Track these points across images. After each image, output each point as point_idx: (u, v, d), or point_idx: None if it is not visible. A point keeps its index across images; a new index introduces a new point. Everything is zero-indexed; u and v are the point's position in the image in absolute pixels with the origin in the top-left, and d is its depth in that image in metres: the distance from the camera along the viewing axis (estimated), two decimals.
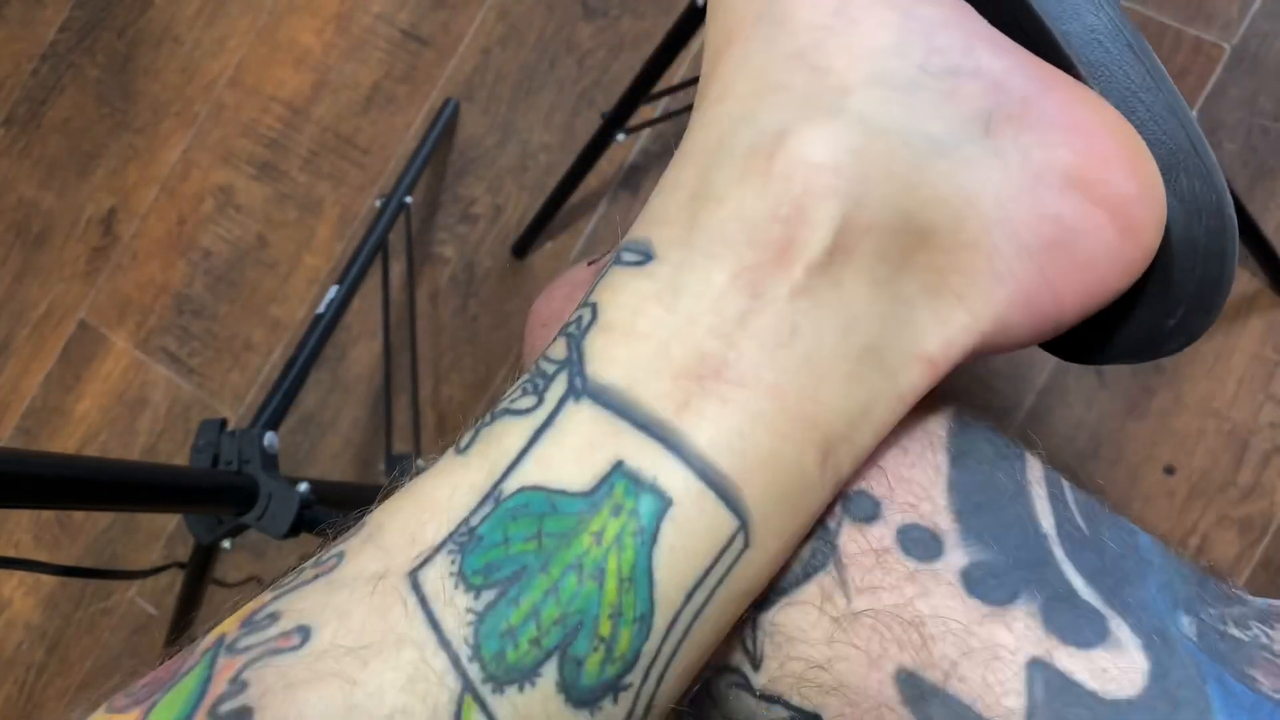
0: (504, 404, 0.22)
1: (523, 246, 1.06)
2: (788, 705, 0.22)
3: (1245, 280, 0.94)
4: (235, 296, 1.13)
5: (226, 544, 0.70)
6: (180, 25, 1.19)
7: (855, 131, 0.22)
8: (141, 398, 1.13)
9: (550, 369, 0.22)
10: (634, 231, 0.24)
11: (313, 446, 1.08)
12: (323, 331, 0.82)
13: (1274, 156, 0.94)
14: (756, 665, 0.23)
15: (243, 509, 0.65)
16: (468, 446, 0.22)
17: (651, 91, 0.86)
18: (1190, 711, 0.20)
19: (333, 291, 0.85)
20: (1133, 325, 0.26)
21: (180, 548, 1.08)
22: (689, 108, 1.08)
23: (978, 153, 0.23)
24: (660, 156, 1.06)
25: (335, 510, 0.69)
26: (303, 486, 0.67)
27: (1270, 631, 0.22)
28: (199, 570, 0.78)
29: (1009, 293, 0.23)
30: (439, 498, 0.21)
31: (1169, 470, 0.93)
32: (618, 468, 0.20)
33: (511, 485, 0.20)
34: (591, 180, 1.03)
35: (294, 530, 0.66)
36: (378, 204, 1.06)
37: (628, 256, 0.23)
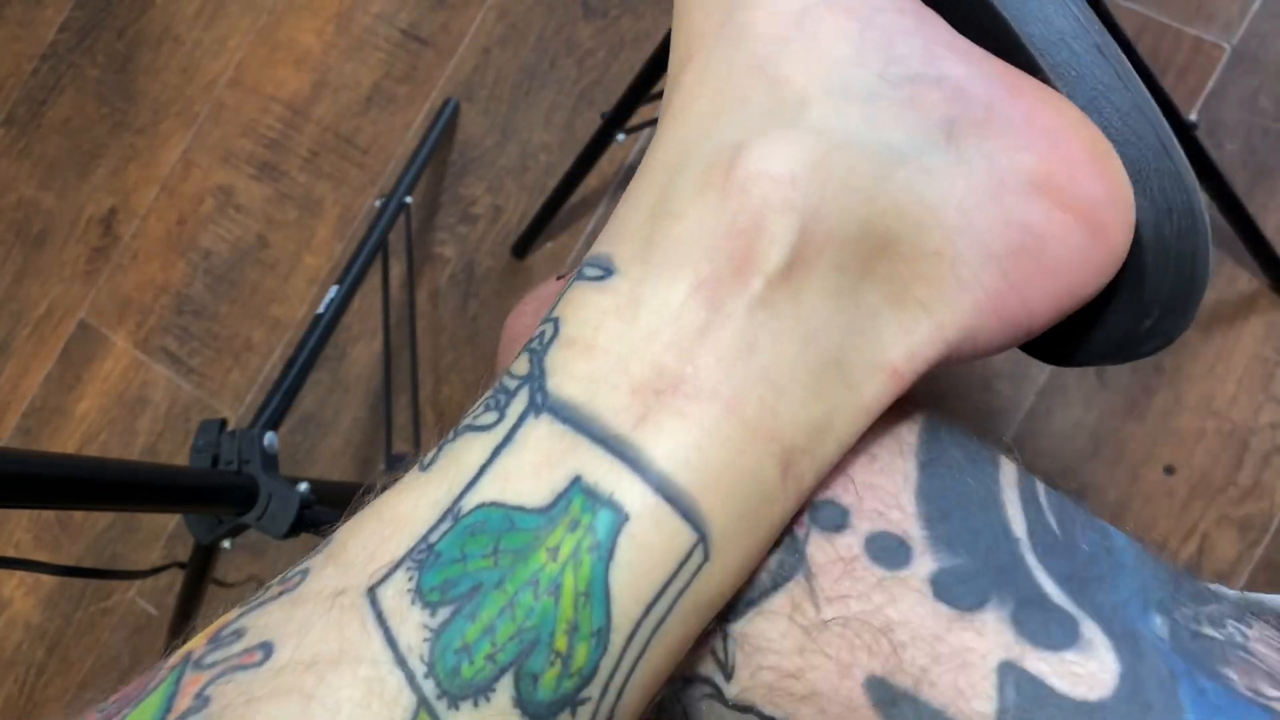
0: (467, 420, 0.22)
1: (523, 246, 1.06)
2: (760, 715, 0.22)
3: (1245, 280, 0.94)
4: (235, 296, 1.13)
5: (226, 544, 0.70)
6: (180, 25, 1.19)
7: (813, 143, 0.22)
8: (141, 398, 1.13)
9: (512, 385, 0.22)
10: (596, 248, 0.24)
11: (313, 446, 1.08)
12: (323, 331, 0.82)
13: (1274, 156, 0.94)
14: (729, 675, 0.23)
15: (243, 509, 0.65)
16: (431, 463, 0.22)
17: (651, 91, 0.86)
18: (1161, 713, 0.20)
19: (333, 291, 0.85)
20: (1108, 327, 0.26)
21: (180, 548, 1.08)
22: None
23: (940, 161, 0.23)
24: None
25: (335, 510, 0.69)
26: (303, 486, 0.67)
27: (1245, 630, 0.22)
28: (199, 570, 0.78)
29: (975, 300, 0.23)
30: (400, 514, 0.21)
31: (1169, 470, 0.93)
32: (575, 483, 0.20)
33: (470, 502, 0.20)
34: (591, 180, 1.03)
35: (294, 530, 0.66)
36: (378, 204, 1.06)
37: (589, 272, 0.23)
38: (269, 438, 0.69)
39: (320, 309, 0.84)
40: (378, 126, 1.12)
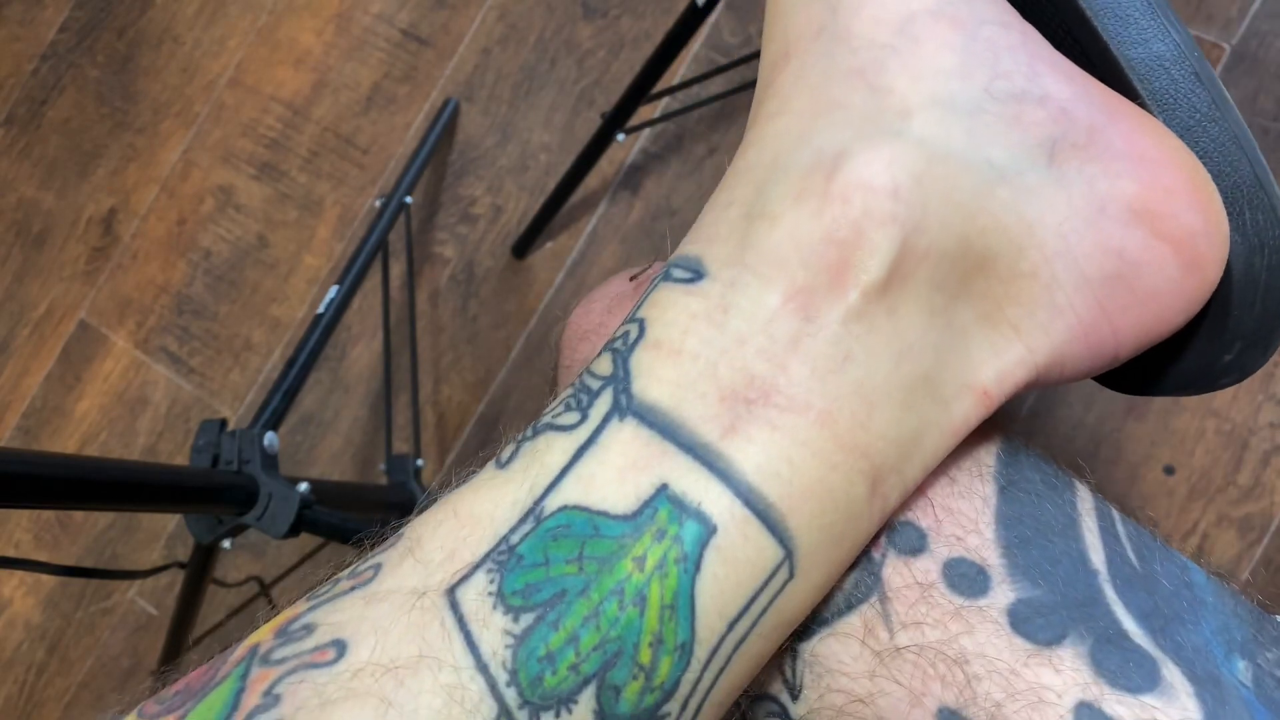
0: (546, 418, 0.22)
1: (523, 246, 1.06)
2: None
3: None
4: (235, 296, 1.13)
5: (226, 544, 0.70)
6: (180, 25, 1.19)
7: (916, 155, 0.22)
8: (141, 398, 1.13)
9: (595, 385, 0.21)
10: (684, 248, 0.23)
11: (313, 446, 1.08)
12: (323, 331, 0.82)
13: (1274, 156, 0.94)
14: (795, 695, 0.22)
15: (243, 509, 0.65)
16: (509, 461, 0.21)
17: (651, 91, 0.86)
18: None
19: (333, 291, 0.85)
20: (1187, 359, 0.26)
21: (180, 548, 1.08)
22: (689, 108, 1.08)
23: (1040, 181, 0.22)
24: (660, 156, 1.06)
25: (335, 510, 0.69)
26: (303, 486, 0.67)
27: None
28: (199, 570, 0.78)
29: (1067, 326, 0.23)
30: (479, 513, 0.20)
31: (1169, 470, 0.93)
32: (662, 491, 0.20)
33: (553, 504, 0.20)
34: (591, 180, 1.03)
35: (294, 530, 0.65)
36: (378, 204, 1.06)
37: (677, 273, 0.22)
38: (269, 438, 0.69)
39: (320, 309, 0.84)
40: (378, 126, 1.12)
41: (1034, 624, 0.21)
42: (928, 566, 0.22)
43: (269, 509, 0.65)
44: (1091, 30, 0.24)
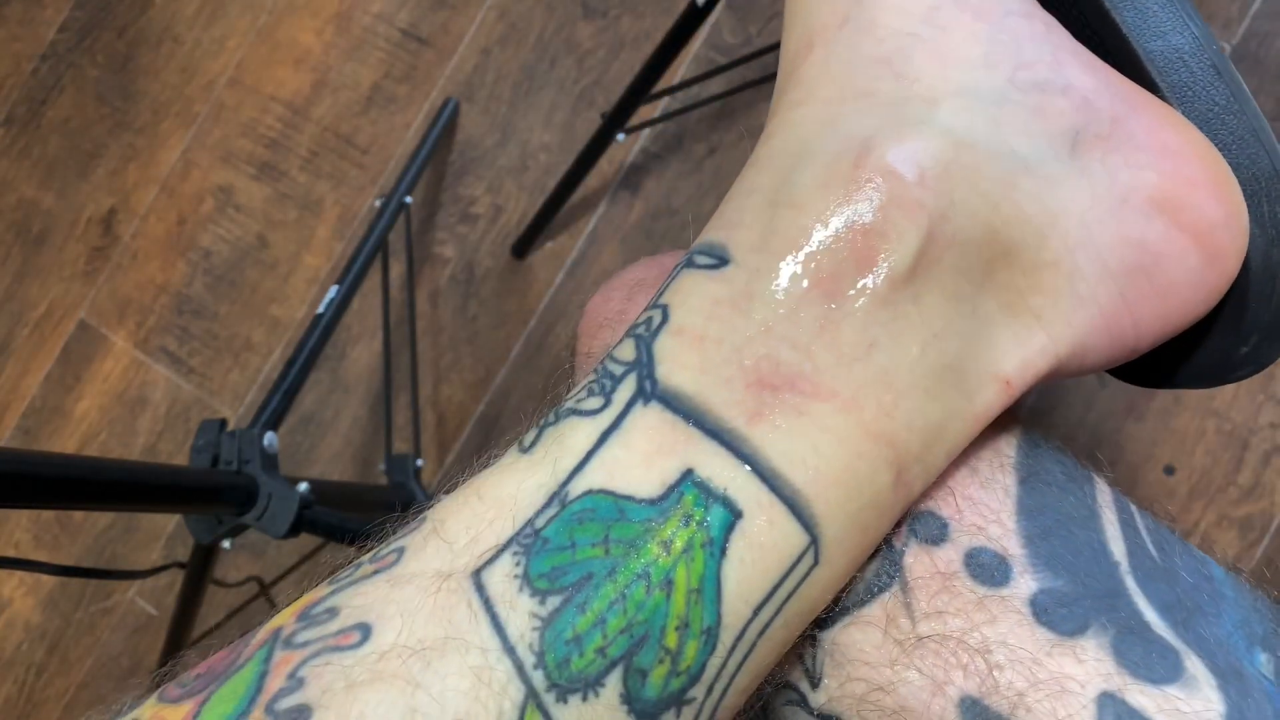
0: (569, 403, 0.22)
1: (523, 246, 1.06)
2: None
3: None
4: (235, 296, 1.13)
5: (226, 544, 0.70)
6: (180, 25, 1.19)
7: (941, 143, 0.22)
8: (141, 398, 1.13)
9: (618, 370, 0.21)
10: (708, 235, 0.23)
11: (313, 446, 1.08)
12: (323, 331, 0.82)
13: None
14: (815, 684, 0.22)
15: (243, 509, 0.64)
16: (532, 445, 0.21)
17: (651, 91, 0.86)
18: None
19: (333, 291, 0.85)
20: (1204, 351, 0.26)
21: (180, 548, 1.08)
22: (689, 108, 1.08)
23: (1063, 171, 0.22)
24: (660, 156, 1.06)
25: (335, 510, 0.69)
26: (303, 486, 0.67)
27: None
28: (199, 570, 0.78)
29: (1089, 316, 0.23)
30: (503, 496, 0.20)
31: (1169, 470, 0.93)
32: (688, 476, 0.20)
33: (578, 487, 0.20)
34: (591, 180, 1.03)
35: (294, 530, 0.65)
36: (378, 204, 1.06)
37: (701, 260, 0.22)
38: (269, 438, 0.69)
39: (320, 309, 0.84)
40: (378, 126, 1.12)
41: (1056, 614, 0.21)
42: (950, 556, 0.22)
43: (269, 509, 0.65)
44: (1111, 23, 0.24)
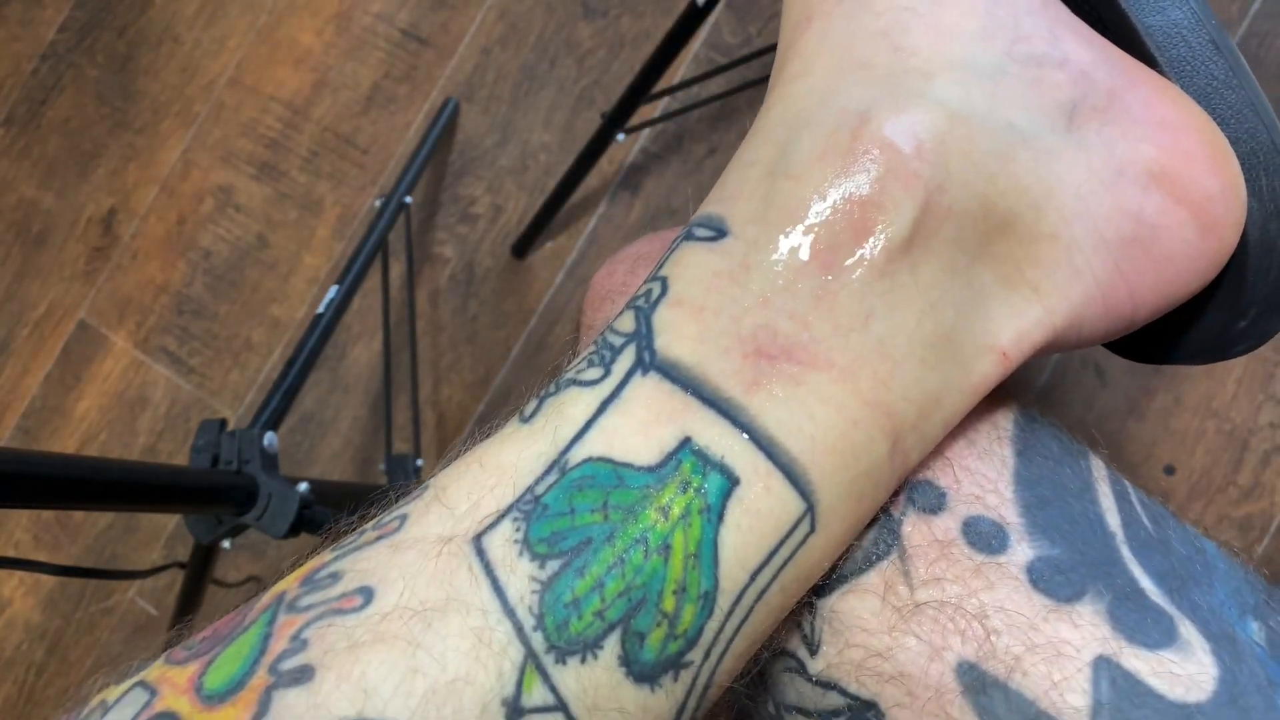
0: (569, 374, 0.22)
1: (523, 246, 1.06)
2: (844, 692, 0.22)
3: None
4: (235, 296, 1.13)
5: (226, 544, 0.70)
6: (180, 25, 1.19)
7: (939, 116, 0.22)
8: (141, 398, 1.13)
9: (618, 341, 0.22)
10: (706, 207, 0.23)
11: (313, 446, 1.08)
12: (323, 331, 0.82)
13: None
14: (814, 651, 0.23)
15: (243, 509, 0.64)
16: (533, 415, 0.21)
17: (651, 91, 0.86)
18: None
19: (333, 291, 0.85)
20: (1202, 326, 0.26)
21: (180, 548, 1.08)
22: (689, 108, 1.08)
23: (1060, 144, 0.23)
24: (660, 156, 1.06)
25: (335, 510, 0.69)
26: (303, 486, 0.67)
27: None
28: (199, 570, 0.78)
29: (1085, 288, 0.23)
30: (504, 464, 0.21)
31: (1169, 470, 0.93)
32: (685, 444, 0.20)
33: (578, 455, 0.20)
34: (591, 180, 1.03)
35: (294, 530, 0.65)
36: (377, 204, 1.06)
37: (700, 232, 0.22)
38: (269, 438, 0.69)
39: (320, 309, 0.84)
40: (378, 126, 1.12)
41: (1053, 581, 0.21)
42: (947, 524, 0.22)
43: (269, 509, 0.65)
44: None
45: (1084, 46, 0.24)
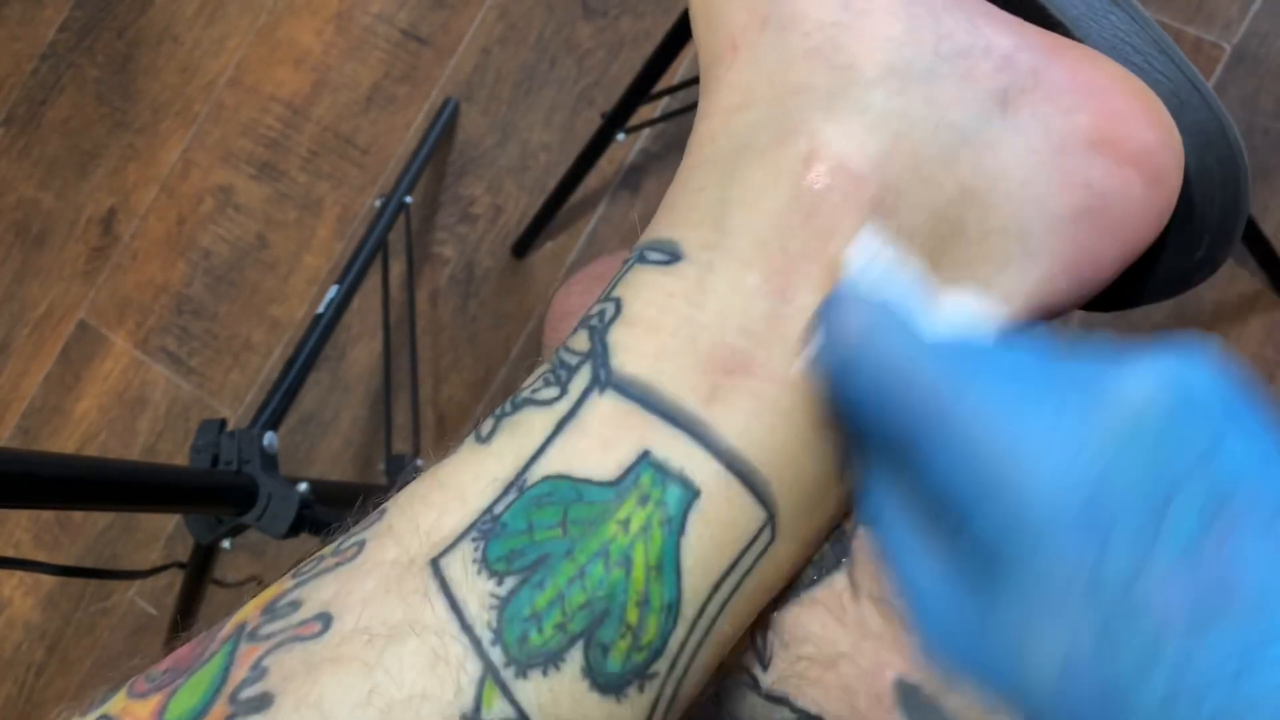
0: (524, 394, 0.22)
1: (523, 246, 1.06)
2: (792, 707, 0.22)
3: (1245, 280, 0.93)
4: (235, 296, 1.13)
5: (226, 544, 0.70)
6: (180, 25, 1.19)
7: (882, 132, 0.22)
8: (141, 398, 1.13)
9: (573, 360, 0.22)
10: (657, 232, 0.23)
11: (313, 446, 1.08)
12: (323, 331, 0.82)
13: (1274, 156, 0.94)
14: (765, 664, 0.23)
15: (242, 509, 0.65)
16: (490, 435, 0.22)
17: (651, 91, 0.86)
18: None
19: (333, 291, 0.85)
20: (1161, 266, 0.26)
21: (180, 548, 1.08)
22: (689, 108, 1.08)
23: (998, 133, 0.23)
24: (660, 156, 1.06)
25: (335, 510, 0.69)
26: (303, 486, 0.67)
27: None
28: (199, 570, 0.78)
29: (1044, 269, 0.23)
30: (462, 484, 0.21)
31: None
32: (644, 457, 0.20)
33: (536, 473, 0.20)
34: (591, 180, 1.03)
35: (294, 530, 0.66)
36: (377, 204, 1.06)
37: (653, 256, 0.23)
38: (269, 438, 0.69)
39: (320, 309, 0.84)
40: (378, 126, 1.12)
41: None
42: None
43: (269, 509, 0.65)
44: None
45: (1003, 32, 0.24)
